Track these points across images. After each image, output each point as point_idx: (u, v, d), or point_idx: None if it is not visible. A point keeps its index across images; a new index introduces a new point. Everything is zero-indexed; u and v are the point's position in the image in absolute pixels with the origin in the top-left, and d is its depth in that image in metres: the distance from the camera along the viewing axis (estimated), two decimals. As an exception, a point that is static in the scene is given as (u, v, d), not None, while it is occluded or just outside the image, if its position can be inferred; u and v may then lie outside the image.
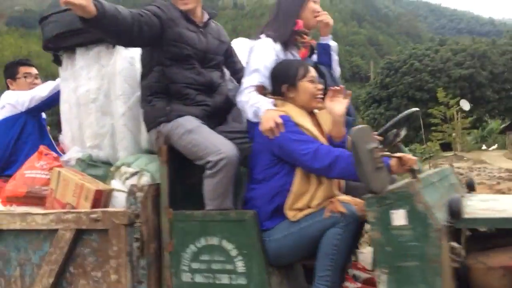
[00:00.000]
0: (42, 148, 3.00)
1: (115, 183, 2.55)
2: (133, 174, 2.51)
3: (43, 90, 3.23)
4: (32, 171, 2.85)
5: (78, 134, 2.83)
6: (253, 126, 2.33)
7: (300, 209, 2.11)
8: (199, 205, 2.52)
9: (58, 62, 2.95)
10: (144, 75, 2.50)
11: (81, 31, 2.63)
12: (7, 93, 3.36)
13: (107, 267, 2.34)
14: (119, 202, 2.49)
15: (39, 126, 3.36)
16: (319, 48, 2.67)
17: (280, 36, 2.45)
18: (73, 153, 2.82)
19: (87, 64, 2.75)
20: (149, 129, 2.49)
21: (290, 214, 2.11)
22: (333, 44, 2.68)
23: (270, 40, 2.43)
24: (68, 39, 2.73)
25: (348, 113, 2.49)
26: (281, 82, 2.28)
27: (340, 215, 2.02)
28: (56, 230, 2.44)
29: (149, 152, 2.74)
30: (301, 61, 2.40)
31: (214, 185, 2.21)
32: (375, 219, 1.91)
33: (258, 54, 2.41)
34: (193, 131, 2.28)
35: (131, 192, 2.31)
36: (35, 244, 2.55)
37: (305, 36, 2.54)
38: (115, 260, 2.29)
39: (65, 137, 2.94)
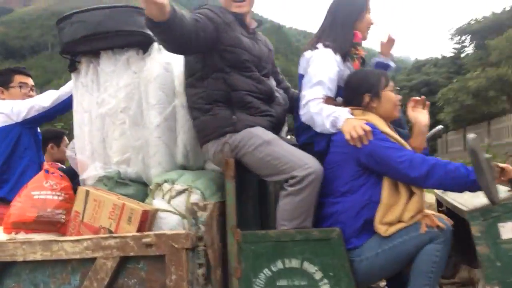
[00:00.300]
0: (47, 165, 2.60)
1: (158, 203, 2.24)
2: (180, 192, 2.23)
3: (45, 99, 2.80)
4: (41, 192, 2.43)
5: (100, 148, 2.47)
6: (323, 138, 2.18)
7: (391, 223, 1.98)
8: (252, 225, 2.31)
9: (73, 68, 2.59)
10: (195, 83, 2.24)
11: (110, 33, 2.36)
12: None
13: (160, 300, 2.02)
14: (166, 224, 2.19)
15: (35, 140, 2.90)
16: (377, 66, 2.62)
17: (340, 47, 2.34)
18: (93, 170, 2.45)
19: (115, 70, 2.42)
20: (207, 141, 2.22)
21: (382, 229, 1.97)
22: (392, 65, 2.64)
23: (330, 50, 2.32)
24: (93, 42, 2.39)
25: (401, 125, 2.45)
26: (363, 92, 2.17)
27: (438, 230, 1.93)
28: (91, 260, 2.07)
29: (183, 167, 2.47)
30: (381, 71, 2.32)
31: (297, 203, 2.01)
32: (480, 233, 1.84)
33: (320, 65, 2.27)
34: (272, 143, 2.07)
35: (191, 212, 2.04)
36: (60, 277, 2.13)
37: (358, 48, 2.47)
38: (173, 290, 1.98)
39: (81, 151, 2.55)
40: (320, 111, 2.14)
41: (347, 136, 2.01)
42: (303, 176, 1.97)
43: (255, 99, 2.21)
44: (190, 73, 2.29)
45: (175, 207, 2.20)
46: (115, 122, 2.41)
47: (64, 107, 2.81)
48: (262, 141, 2.07)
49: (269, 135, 2.11)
